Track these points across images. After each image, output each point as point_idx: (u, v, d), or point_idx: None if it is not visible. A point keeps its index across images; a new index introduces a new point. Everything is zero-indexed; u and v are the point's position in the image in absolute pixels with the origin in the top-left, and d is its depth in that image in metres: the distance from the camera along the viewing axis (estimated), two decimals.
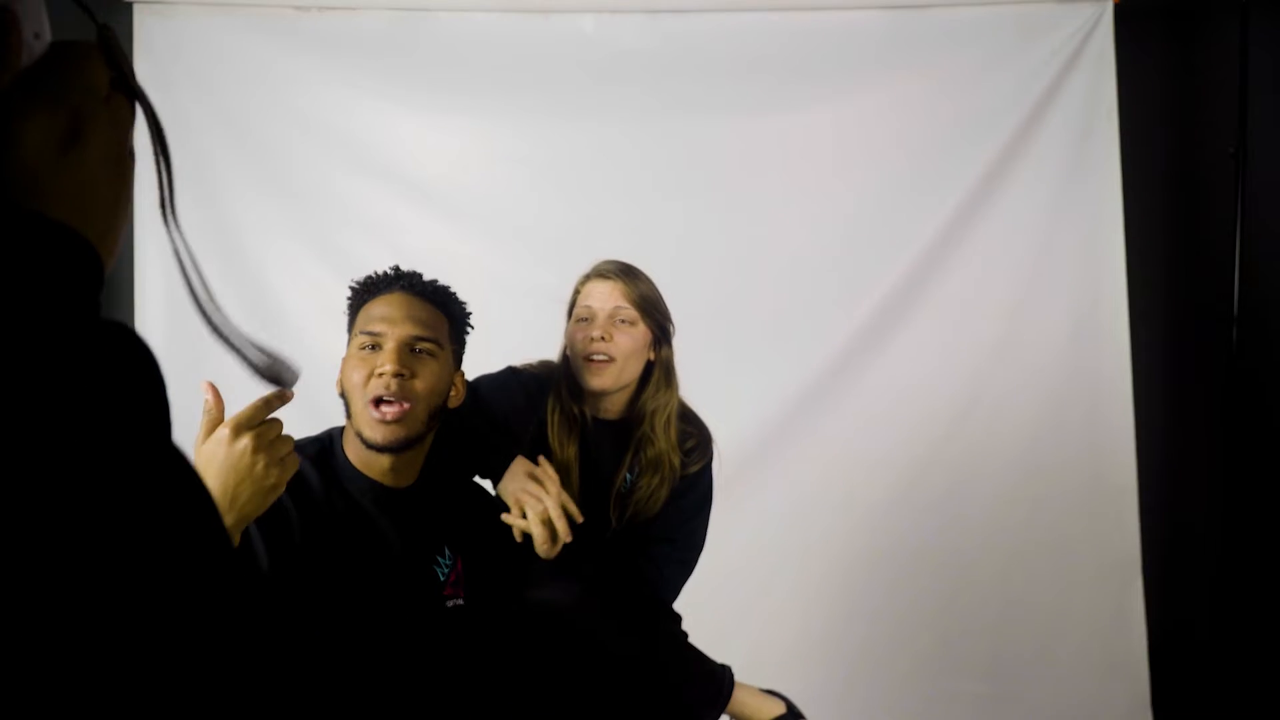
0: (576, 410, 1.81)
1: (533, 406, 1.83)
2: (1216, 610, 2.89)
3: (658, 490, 1.80)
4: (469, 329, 1.57)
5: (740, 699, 1.77)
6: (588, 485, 1.81)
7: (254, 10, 2.92)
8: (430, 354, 1.44)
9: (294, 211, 2.94)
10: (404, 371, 1.38)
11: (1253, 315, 2.89)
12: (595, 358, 1.77)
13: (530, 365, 1.92)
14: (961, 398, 2.88)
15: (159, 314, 2.94)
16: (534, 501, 1.54)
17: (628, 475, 1.82)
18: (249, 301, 2.91)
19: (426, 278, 1.50)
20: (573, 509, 1.58)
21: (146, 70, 2.91)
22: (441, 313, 1.49)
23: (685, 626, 1.95)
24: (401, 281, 1.46)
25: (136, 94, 0.73)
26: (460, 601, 1.46)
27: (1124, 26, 2.85)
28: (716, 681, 1.75)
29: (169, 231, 0.76)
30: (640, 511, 1.82)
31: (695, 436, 1.88)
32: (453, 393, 1.48)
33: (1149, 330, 2.96)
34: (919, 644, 2.87)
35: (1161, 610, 2.94)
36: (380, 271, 1.48)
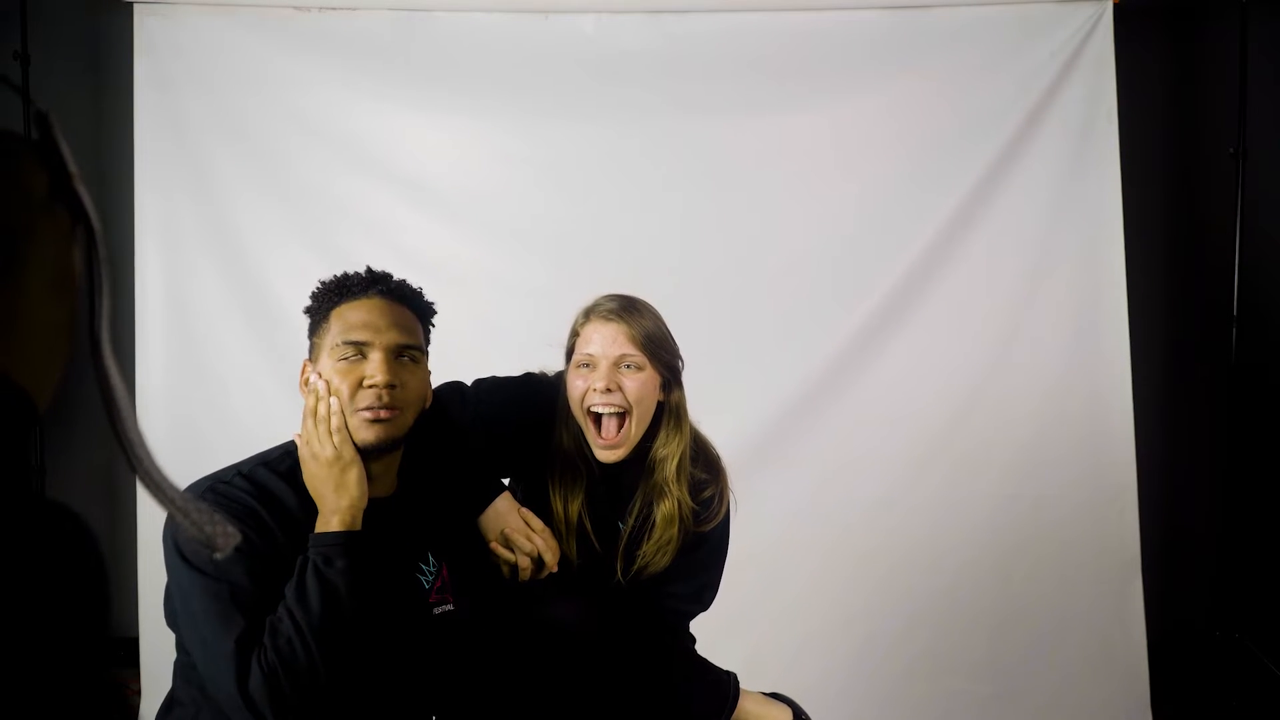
0: (579, 459, 1.69)
1: (541, 417, 1.74)
2: (1216, 610, 2.89)
3: (667, 546, 1.68)
4: (433, 326, 1.52)
5: (746, 707, 1.74)
6: (595, 534, 1.72)
7: (254, 10, 2.92)
8: (414, 360, 1.42)
9: (294, 212, 2.94)
10: (394, 382, 1.36)
11: (1253, 315, 2.89)
12: (601, 410, 1.64)
13: (547, 375, 1.83)
14: (961, 397, 2.88)
15: (159, 311, 2.94)
16: (524, 541, 1.52)
17: (635, 524, 1.71)
18: (249, 302, 2.91)
19: (396, 278, 1.46)
20: (561, 554, 1.56)
21: (147, 70, 2.91)
22: (416, 316, 1.45)
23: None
24: (378, 285, 1.42)
25: (79, 201, 0.59)
26: (450, 607, 1.45)
27: (1124, 26, 2.85)
28: (722, 691, 1.72)
29: (100, 366, 0.61)
30: (650, 564, 1.71)
31: (712, 485, 1.75)
32: (429, 394, 1.47)
33: (1149, 330, 2.96)
34: (919, 643, 2.87)
35: (1161, 610, 2.94)
36: (352, 272, 1.43)
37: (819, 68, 2.85)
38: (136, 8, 2.91)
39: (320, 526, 1.31)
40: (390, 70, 2.94)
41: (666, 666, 1.70)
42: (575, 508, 1.67)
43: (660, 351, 1.67)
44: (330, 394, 1.33)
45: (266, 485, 1.34)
